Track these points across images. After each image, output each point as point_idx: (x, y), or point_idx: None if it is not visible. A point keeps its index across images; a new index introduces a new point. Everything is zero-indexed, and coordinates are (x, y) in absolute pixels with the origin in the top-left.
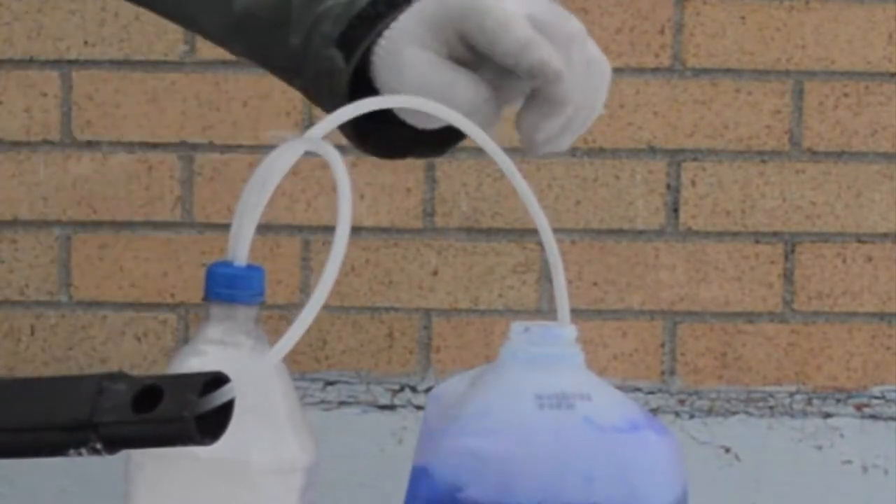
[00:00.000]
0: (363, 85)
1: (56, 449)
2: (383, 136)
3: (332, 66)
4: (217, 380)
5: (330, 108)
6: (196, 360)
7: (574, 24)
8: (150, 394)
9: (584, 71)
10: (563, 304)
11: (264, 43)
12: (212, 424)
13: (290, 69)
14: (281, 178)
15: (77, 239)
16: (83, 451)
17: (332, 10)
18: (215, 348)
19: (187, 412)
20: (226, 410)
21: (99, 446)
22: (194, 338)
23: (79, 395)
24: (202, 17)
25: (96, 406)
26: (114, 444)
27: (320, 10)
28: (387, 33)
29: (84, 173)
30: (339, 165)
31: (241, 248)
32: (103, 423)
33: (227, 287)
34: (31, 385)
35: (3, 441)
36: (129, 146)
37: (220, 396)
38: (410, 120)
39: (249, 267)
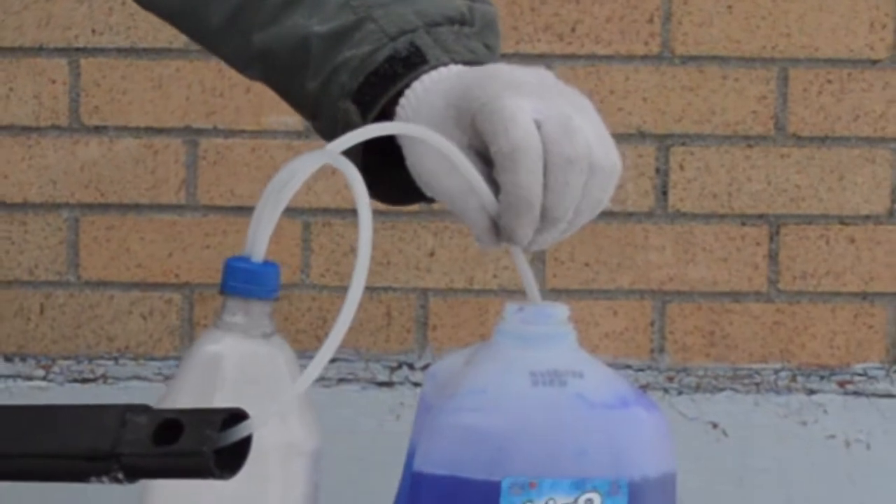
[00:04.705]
0: (379, 139)
1: (78, 476)
2: (390, 183)
3: (348, 119)
4: (236, 415)
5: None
6: (212, 347)
7: (578, 146)
8: (170, 427)
9: (579, 193)
10: (531, 283)
11: (281, 81)
12: (230, 458)
13: (307, 111)
14: (298, 187)
15: (85, 221)
16: (105, 479)
17: (350, 61)
18: (231, 338)
19: (206, 447)
20: (244, 445)
21: (120, 476)
22: (210, 327)
23: (102, 426)
24: (221, 44)
25: (119, 437)
26: (134, 474)
27: (339, 61)
28: (412, 98)
29: (92, 157)
30: (358, 183)
31: (258, 245)
32: (125, 454)
33: (243, 282)
34: (56, 413)
35: (27, 466)
36: (136, 131)
37: (238, 432)
38: (419, 180)
39: (266, 263)
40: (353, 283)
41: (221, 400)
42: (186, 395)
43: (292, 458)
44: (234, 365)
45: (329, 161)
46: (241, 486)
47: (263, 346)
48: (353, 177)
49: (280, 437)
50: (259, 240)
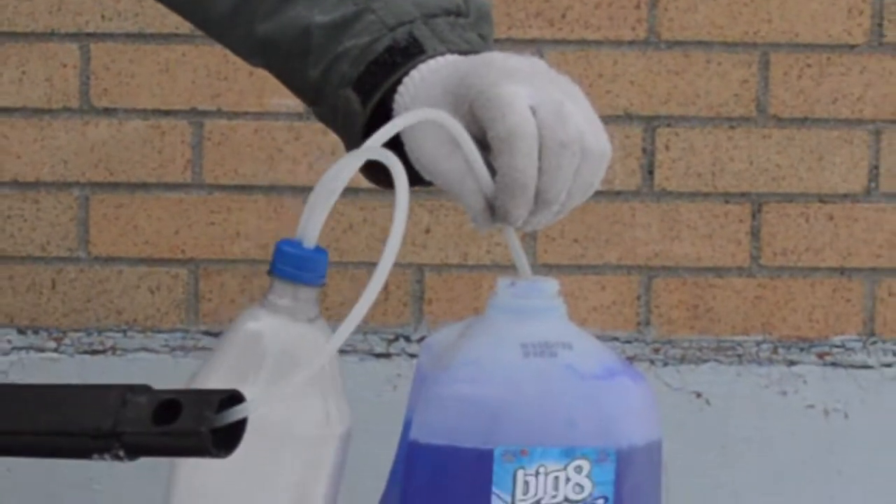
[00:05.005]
0: (379, 124)
1: (81, 453)
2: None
3: (349, 106)
4: (233, 397)
5: (345, 140)
6: (257, 326)
7: (571, 131)
8: (169, 407)
9: (572, 175)
10: (522, 261)
11: (284, 68)
12: (226, 438)
13: (308, 97)
14: (348, 179)
15: (95, 199)
16: (106, 456)
17: (351, 51)
18: (277, 320)
19: (204, 427)
20: (240, 425)
21: (121, 453)
22: (255, 306)
23: (104, 405)
24: (226, 33)
25: (120, 417)
26: (135, 452)
27: (339, 50)
28: (410, 86)
29: (101, 138)
30: (400, 175)
31: (310, 232)
32: (126, 432)
33: (294, 267)
34: (60, 392)
35: (33, 443)
36: (143, 113)
37: (234, 414)
38: (417, 164)
39: (317, 250)
40: (375, 274)
41: (262, 379)
42: (226, 370)
43: (320, 442)
44: (278, 347)
45: (375, 156)
46: (270, 467)
47: (309, 331)
48: (396, 167)
49: (308, 420)
50: (312, 227)
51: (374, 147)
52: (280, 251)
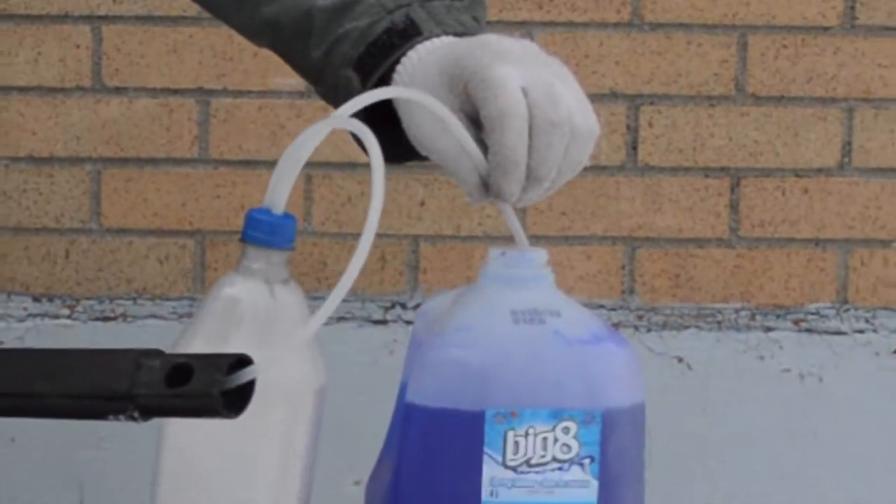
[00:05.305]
0: (378, 103)
1: (97, 414)
2: (386, 143)
3: (349, 86)
4: (242, 360)
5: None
6: (234, 291)
7: (561, 112)
8: (181, 370)
9: (562, 154)
10: (520, 233)
11: (287, 49)
12: (236, 399)
13: (310, 77)
14: (313, 148)
15: (106, 173)
16: (121, 417)
17: (351, 33)
18: (252, 283)
19: (215, 389)
20: (249, 387)
21: (136, 415)
22: (230, 273)
23: (119, 369)
24: (232, 15)
25: (134, 379)
26: (148, 413)
27: (340, 32)
28: (408, 66)
29: (112, 115)
30: (373, 144)
31: (278, 199)
32: (140, 395)
33: (265, 233)
34: (78, 357)
35: (52, 405)
36: (153, 91)
37: (244, 376)
38: (414, 141)
39: (285, 216)
40: (363, 238)
41: (242, 339)
42: (208, 333)
43: (299, 397)
44: (255, 308)
45: (342, 125)
46: (252, 422)
47: (283, 292)
48: (367, 136)
49: (288, 376)
50: (279, 193)
51: (341, 117)
52: (251, 219)
